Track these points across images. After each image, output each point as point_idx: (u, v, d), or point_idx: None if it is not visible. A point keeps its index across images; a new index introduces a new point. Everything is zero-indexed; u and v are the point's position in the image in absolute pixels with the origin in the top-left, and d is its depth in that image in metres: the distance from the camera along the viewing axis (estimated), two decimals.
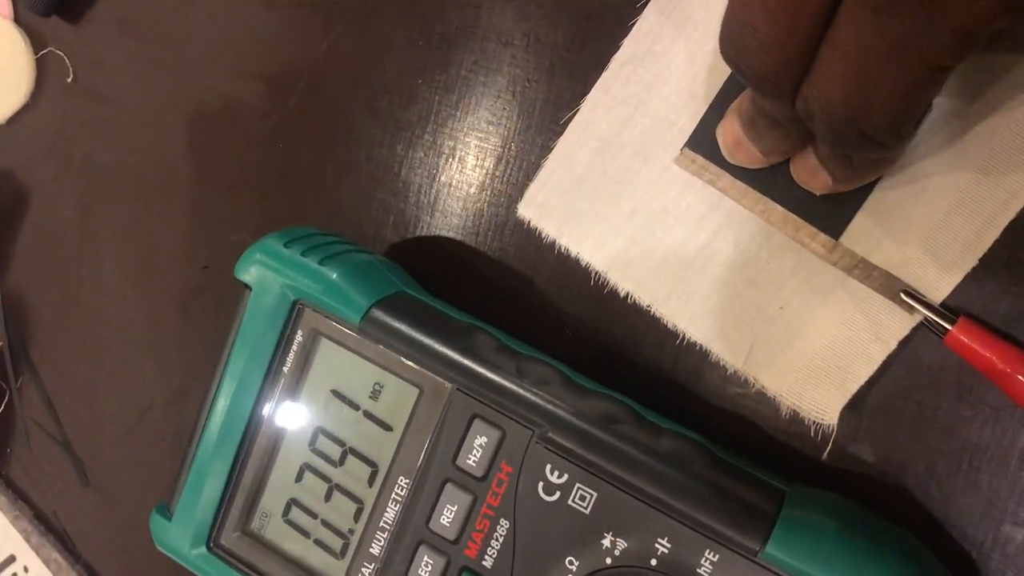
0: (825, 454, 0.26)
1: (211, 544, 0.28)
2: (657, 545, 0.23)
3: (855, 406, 0.25)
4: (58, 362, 0.40)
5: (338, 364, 0.27)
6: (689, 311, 0.27)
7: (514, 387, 0.25)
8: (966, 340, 0.23)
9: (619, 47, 0.28)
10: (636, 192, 0.28)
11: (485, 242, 0.31)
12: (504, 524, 0.25)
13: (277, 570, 0.28)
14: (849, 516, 0.23)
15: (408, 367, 0.26)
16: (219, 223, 0.36)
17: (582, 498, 0.24)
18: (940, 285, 0.24)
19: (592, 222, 0.28)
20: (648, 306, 0.28)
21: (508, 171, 0.30)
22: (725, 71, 0.26)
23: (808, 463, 0.26)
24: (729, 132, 0.25)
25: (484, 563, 0.25)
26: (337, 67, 0.33)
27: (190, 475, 0.28)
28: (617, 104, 0.28)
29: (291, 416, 0.28)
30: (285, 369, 0.27)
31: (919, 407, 0.25)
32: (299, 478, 0.28)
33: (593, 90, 0.28)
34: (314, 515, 0.28)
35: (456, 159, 0.31)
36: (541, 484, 0.24)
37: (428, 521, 0.26)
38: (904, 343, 0.25)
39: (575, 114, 0.29)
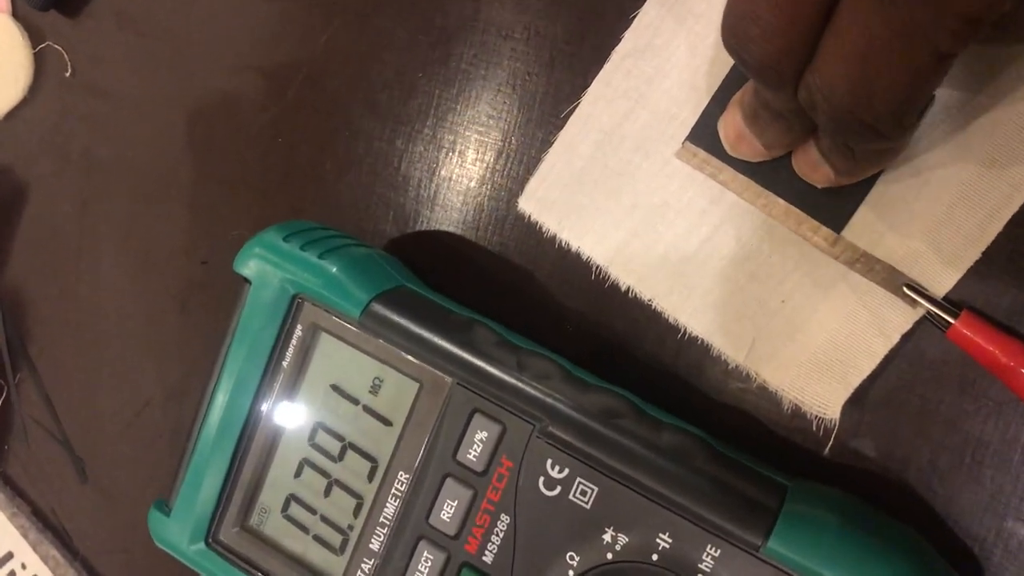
0: (827, 449, 0.26)
1: (210, 540, 0.28)
2: (658, 540, 0.23)
3: (857, 400, 0.25)
4: (56, 358, 0.40)
5: (338, 358, 0.27)
6: (690, 305, 0.27)
7: (514, 381, 0.25)
8: (969, 334, 0.23)
9: (620, 40, 0.28)
10: (637, 186, 0.28)
11: (485, 236, 0.31)
12: (505, 519, 0.25)
13: (276, 566, 0.28)
14: (851, 511, 0.23)
15: (408, 361, 0.26)
16: (218, 218, 0.36)
17: (583, 493, 0.24)
18: (943, 279, 0.24)
19: (593, 216, 0.28)
20: (649, 300, 0.27)
21: (508, 165, 0.30)
22: (727, 64, 0.26)
23: (810, 458, 0.26)
24: (731, 125, 0.25)
25: (484, 558, 0.25)
26: (336, 61, 0.33)
27: (189, 471, 0.28)
28: (618, 97, 0.28)
29: (290, 411, 0.28)
30: (284, 364, 0.27)
31: (922, 401, 0.25)
32: (298, 473, 0.28)
33: (594, 83, 0.28)
34: (313, 511, 0.28)
35: (456, 153, 0.31)
36: (542, 479, 0.24)
37: (428, 516, 0.25)
38: (907, 337, 0.25)
39: (576, 107, 0.28)
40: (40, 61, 0.39)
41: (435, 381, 0.26)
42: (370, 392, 0.27)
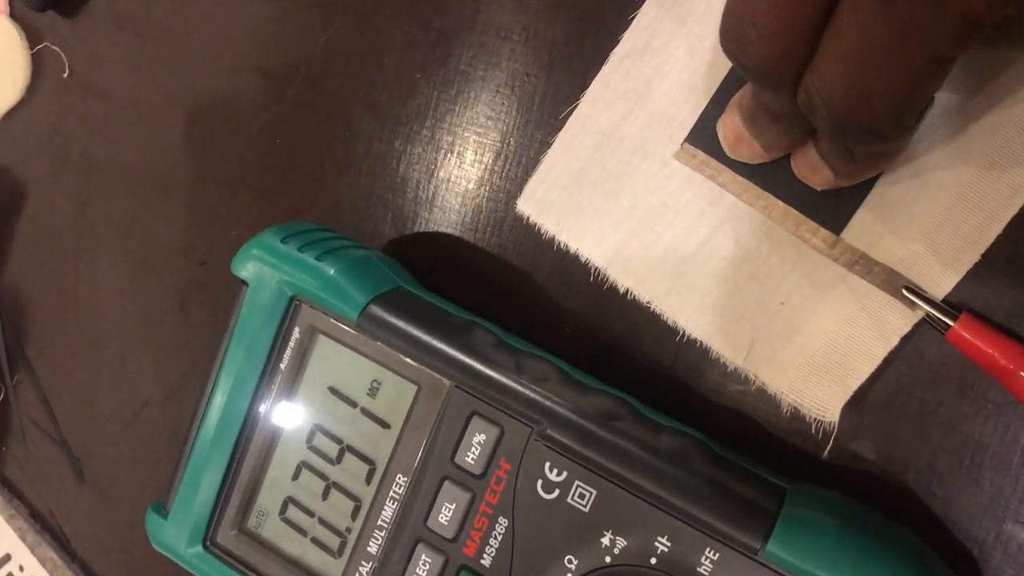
0: (826, 451, 0.26)
1: (207, 543, 0.28)
2: (657, 543, 0.23)
3: (856, 403, 0.25)
4: (54, 359, 0.40)
5: (335, 361, 0.27)
6: (689, 307, 0.27)
7: (513, 384, 0.25)
8: (968, 336, 0.23)
9: (618, 41, 0.28)
10: (636, 187, 0.27)
11: (484, 238, 0.31)
12: (503, 522, 0.25)
13: (274, 569, 0.28)
14: (850, 514, 0.23)
15: (406, 364, 0.26)
16: (216, 219, 0.36)
17: (581, 496, 0.24)
18: (942, 281, 0.24)
19: (591, 217, 0.28)
20: (648, 302, 0.27)
21: (507, 166, 0.30)
22: (725, 65, 0.26)
23: (809, 460, 0.26)
24: (730, 127, 0.25)
25: (483, 561, 0.25)
26: (335, 61, 0.33)
27: (186, 473, 0.28)
28: (616, 99, 0.28)
29: (288, 413, 0.28)
30: (282, 366, 0.27)
31: (921, 404, 0.25)
32: (296, 476, 0.28)
33: (592, 85, 0.28)
34: (311, 513, 0.28)
35: (455, 154, 0.31)
36: (540, 482, 0.24)
37: (426, 519, 0.25)
38: (906, 339, 0.25)
39: (574, 109, 0.28)
40: (38, 62, 0.39)
41: (433, 383, 0.26)
42: (368, 394, 0.27)
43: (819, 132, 0.23)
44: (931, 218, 0.24)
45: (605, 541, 0.24)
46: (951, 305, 0.24)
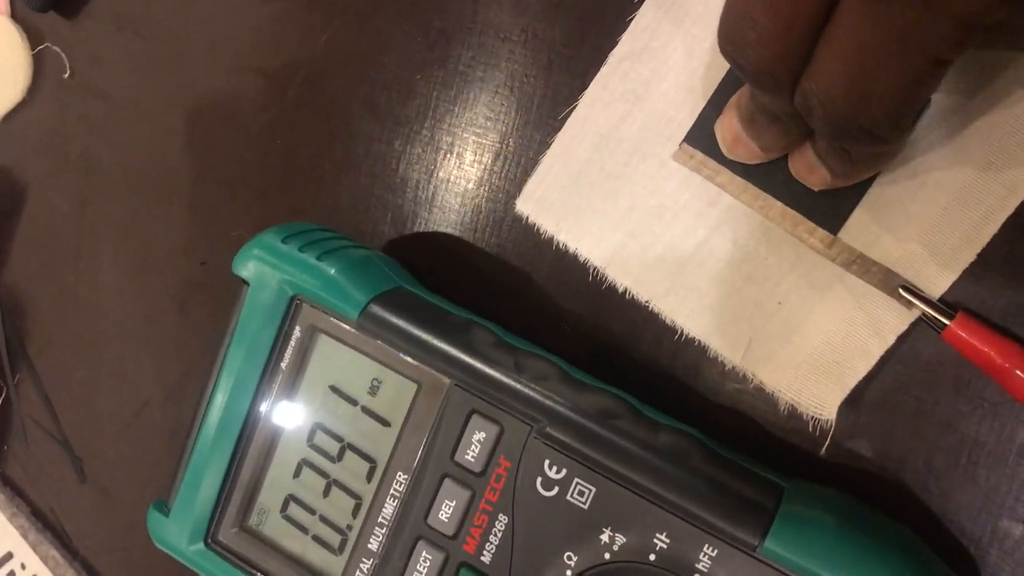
0: (823, 449, 0.26)
1: (209, 540, 0.28)
2: (656, 540, 0.23)
3: (853, 401, 0.25)
4: (55, 358, 0.40)
5: (336, 360, 0.27)
6: (687, 307, 0.27)
7: (512, 382, 0.25)
8: (964, 335, 0.23)
9: (617, 43, 0.28)
10: (634, 188, 0.28)
11: (483, 238, 0.31)
12: (503, 519, 0.25)
13: (275, 566, 0.28)
14: (848, 511, 0.23)
15: (406, 363, 0.26)
16: (217, 219, 0.36)
17: (580, 493, 0.24)
18: (938, 280, 0.24)
19: (590, 218, 0.28)
20: (646, 302, 0.28)
21: (506, 167, 0.30)
22: (723, 67, 0.26)
23: (806, 458, 0.26)
24: (727, 128, 0.25)
25: (483, 558, 0.25)
26: (335, 62, 0.33)
27: (188, 471, 0.28)
28: (615, 100, 0.28)
29: (289, 412, 0.28)
30: (283, 365, 0.27)
31: (917, 402, 0.25)
32: (297, 474, 0.28)
33: (591, 86, 0.28)
34: (312, 511, 0.28)
35: (454, 155, 0.31)
36: (539, 479, 0.24)
37: (426, 516, 0.26)
38: (902, 338, 0.25)
39: (573, 110, 0.29)
40: (39, 62, 0.39)
41: (433, 382, 0.26)
42: (368, 393, 0.27)
43: (816, 133, 0.23)
44: (928, 218, 0.24)
45: (604, 538, 0.24)
46: (947, 304, 0.24)
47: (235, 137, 0.35)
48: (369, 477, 0.27)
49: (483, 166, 0.31)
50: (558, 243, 0.29)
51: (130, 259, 0.38)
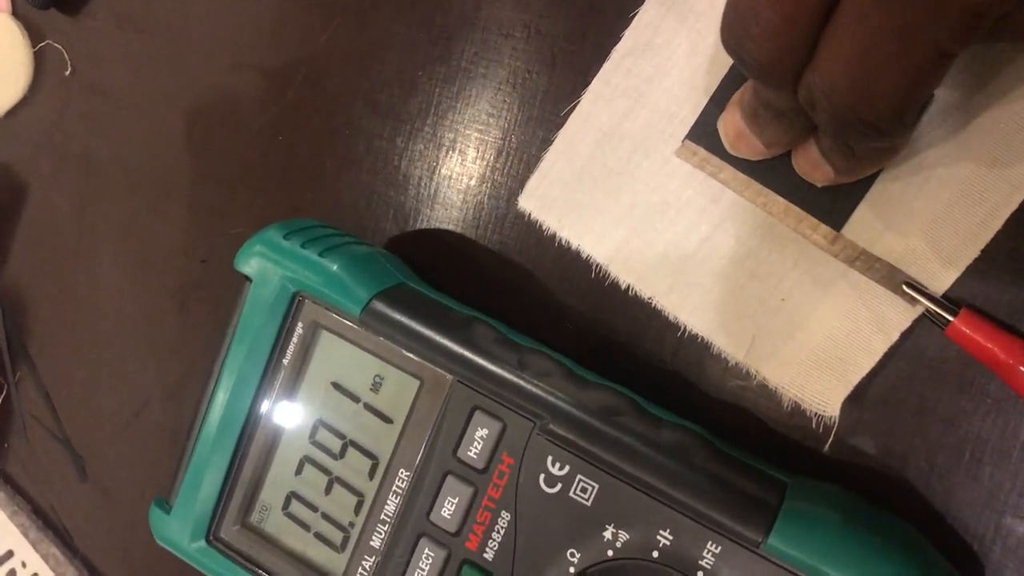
0: (827, 446, 0.26)
1: (210, 537, 0.28)
2: (659, 537, 0.23)
3: (857, 398, 0.25)
4: (56, 357, 0.40)
5: (338, 356, 0.27)
6: (690, 303, 0.27)
7: (515, 379, 0.25)
8: (968, 331, 0.23)
9: (620, 38, 0.28)
10: (637, 184, 0.28)
11: (485, 235, 0.31)
12: (505, 516, 0.25)
13: (277, 563, 0.28)
14: (851, 508, 0.23)
15: (409, 359, 0.26)
16: (217, 217, 0.36)
17: (583, 490, 0.24)
18: (942, 277, 0.24)
19: (593, 215, 0.28)
20: (649, 298, 0.28)
21: (508, 163, 0.30)
22: (727, 63, 0.26)
23: (810, 455, 0.26)
24: (731, 124, 0.25)
25: (485, 555, 0.25)
26: (336, 59, 0.33)
27: (189, 468, 0.28)
28: (618, 96, 0.28)
29: (291, 409, 0.28)
30: (285, 361, 0.27)
31: (921, 399, 0.25)
32: (299, 471, 0.28)
33: (594, 82, 0.28)
34: (314, 508, 0.28)
35: (456, 151, 0.31)
36: (542, 476, 0.24)
37: (429, 513, 0.25)
38: (906, 335, 0.25)
39: (576, 106, 0.28)
40: (40, 60, 0.39)
41: (436, 379, 0.26)
42: (371, 390, 0.27)
43: (820, 128, 0.23)
44: (931, 214, 0.24)
45: (607, 535, 0.24)
46: (951, 301, 0.24)
47: (236, 135, 0.35)
48: (371, 474, 0.27)
49: (485, 163, 0.31)
50: (561, 240, 0.29)
51: (130, 257, 0.38)
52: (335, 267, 0.26)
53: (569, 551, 0.24)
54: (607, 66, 0.28)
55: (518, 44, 0.30)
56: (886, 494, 0.25)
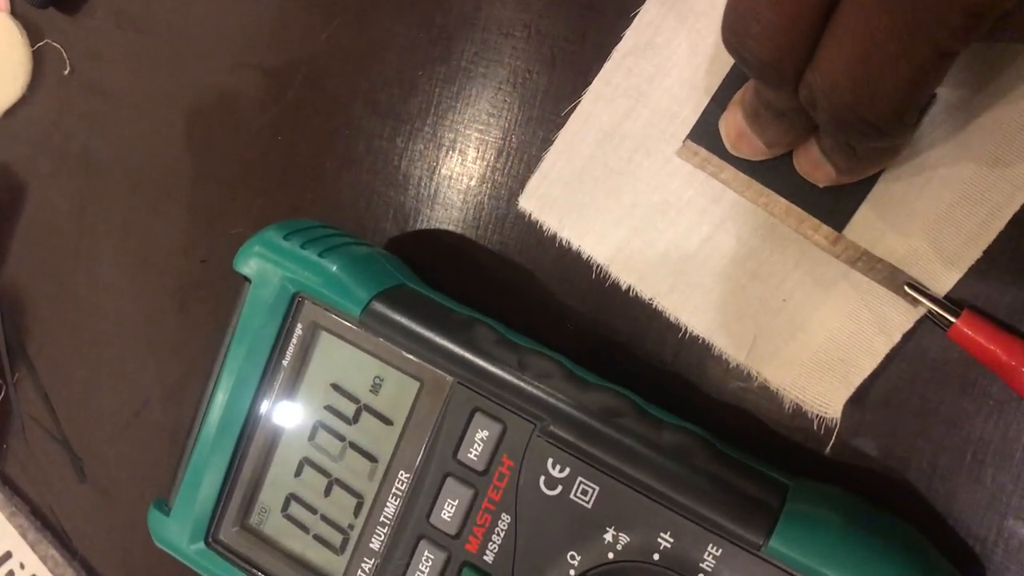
0: (828, 448, 0.26)
1: (209, 539, 0.28)
2: (660, 539, 0.23)
3: (858, 400, 0.25)
4: (55, 357, 0.40)
5: (338, 357, 0.27)
6: (691, 304, 0.27)
7: (515, 380, 0.25)
8: (970, 333, 0.23)
9: (621, 38, 0.28)
10: (638, 185, 0.28)
11: (486, 235, 0.31)
12: (505, 518, 0.25)
13: (276, 565, 0.28)
14: (853, 510, 0.23)
15: (409, 360, 0.26)
16: (217, 217, 0.36)
17: (584, 492, 0.24)
18: (944, 278, 0.24)
19: (594, 215, 0.28)
20: (650, 299, 0.27)
21: (509, 163, 0.30)
22: (728, 62, 0.26)
23: (811, 457, 0.26)
24: (732, 124, 0.25)
25: (485, 558, 0.25)
26: (337, 59, 0.33)
27: (188, 470, 0.28)
28: (619, 96, 0.28)
29: (290, 410, 0.28)
30: (284, 362, 0.27)
31: (923, 400, 0.25)
32: (298, 473, 0.28)
33: (594, 82, 0.28)
34: (314, 510, 0.28)
35: (456, 151, 0.31)
36: (543, 478, 0.24)
37: (429, 516, 0.25)
38: (908, 336, 0.25)
39: (576, 106, 0.28)
40: (39, 59, 0.39)
41: (436, 380, 0.26)
42: (371, 391, 0.27)
43: (821, 128, 0.23)
44: (933, 215, 0.24)
45: (608, 537, 0.24)
46: (953, 302, 0.24)
47: (236, 134, 0.35)
48: (371, 476, 0.27)
49: (486, 163, 0.31)
50: (561, 240, 0.29)
51: (130, 257, 0.38)
52: (335, 268, 0.26)
53: (569, 553, 0.24)
54: (608, 66, 0.28)
55: (518, 44, 0.30)
56: (888, 496, 0.25)
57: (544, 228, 0.29)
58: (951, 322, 0.23)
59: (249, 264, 0.27)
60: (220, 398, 0.27)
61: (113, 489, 0.39)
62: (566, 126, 0.29)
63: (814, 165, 0.24)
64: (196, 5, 0.36)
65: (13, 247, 0.41)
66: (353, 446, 0.27)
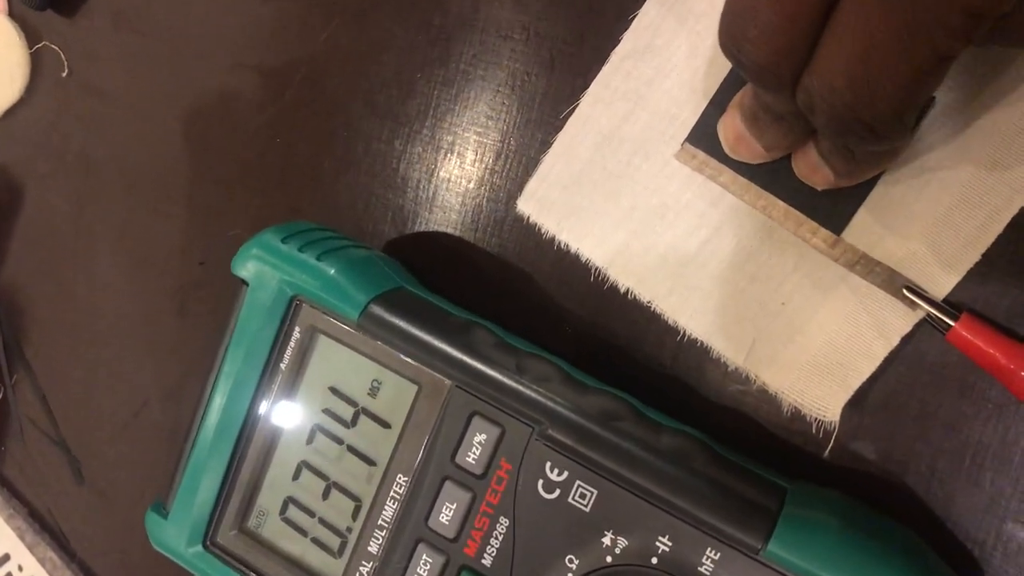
0: (827, 451, 0.26)
1: (207, 543, 0.28)
2: (658, 543, 0.23)
3: (857, 403, 0.25)
4: (53, 358, 0.40)
5: (336, 361, 0.27)
6: (690, 307, 0.27)
7: (513, 384, 0.25)
8: (969, 336, 0.23)
9: (619, 41, 0.28)
10: (636, 187, 0.27)
11: (484, 238, 0.31)
12: (504, 522, 0.25)
13: (274, 569, 0.28)
14: (851, 514, 0.23)
15: (407, 364, 0.26)
16: (215, 219, 0.36)
17: (582, 496, 0.24)
18: (943, 281, 0.24)
19: (592, 218, 0.28)
20: (649, 302, 0.27)
21: (507, 166, 0.30)
22: (726, 65, 0.26)
23: (810, 460, 0.26)
24: (730, 127, 0.25)
25: (483, 561, 0.25)
26: (335, 60, 0.33)
27: (186, 473, 0.28)
28: (617, 98, 0.28)
29: (288, 413, 0.27)
30: (282, 366, 0.27)
31: (921, 404, 0.25)
32: (296, 476, 0.28)
33: (593, 84, 0.28)
34: (312, 513, 0.27)
35: (455, 154, 0.31)
36: (541, 482, 0.24)
37: (427, 519, 0.25)
38: (906, 339, 0.25)
39: (575, 108, 0.28)
40: (37, 61, 0.39)
41: (434, 383, 0.26)
42: (369, 394, 0.27)
43: (820, 131, 0.23)
44: (932, 218, 0.24)
45: (606, 541, 0.24)
46: (952, 305, 0.24)
47: (234, 136, 0.35)
48: (369, 479, 0.26)
49: (484, 165, 0.31)
50: (560, 243, 0.29)
51: (128, 258, 0.38)
52: (333, 271, 0.26)
53: (567, 557, 0.24)
54: (606, 68, 0.28)
55: (517, 46, 0.30)
56: (887, 499, 0.25)
57: (543, 231, 0.29)
58: (950, 325, 0.23)
59: (247, 267, 0.27)
60: (218, 401, 0.27)
61: (111, 491, 0.39)
62: (565, 129, 0.28)
63: (812, 168, 0.24)
64: (194, 6, 0.36)
65: (11, 248, 0.41)
66: (351, 449, 0.27)
